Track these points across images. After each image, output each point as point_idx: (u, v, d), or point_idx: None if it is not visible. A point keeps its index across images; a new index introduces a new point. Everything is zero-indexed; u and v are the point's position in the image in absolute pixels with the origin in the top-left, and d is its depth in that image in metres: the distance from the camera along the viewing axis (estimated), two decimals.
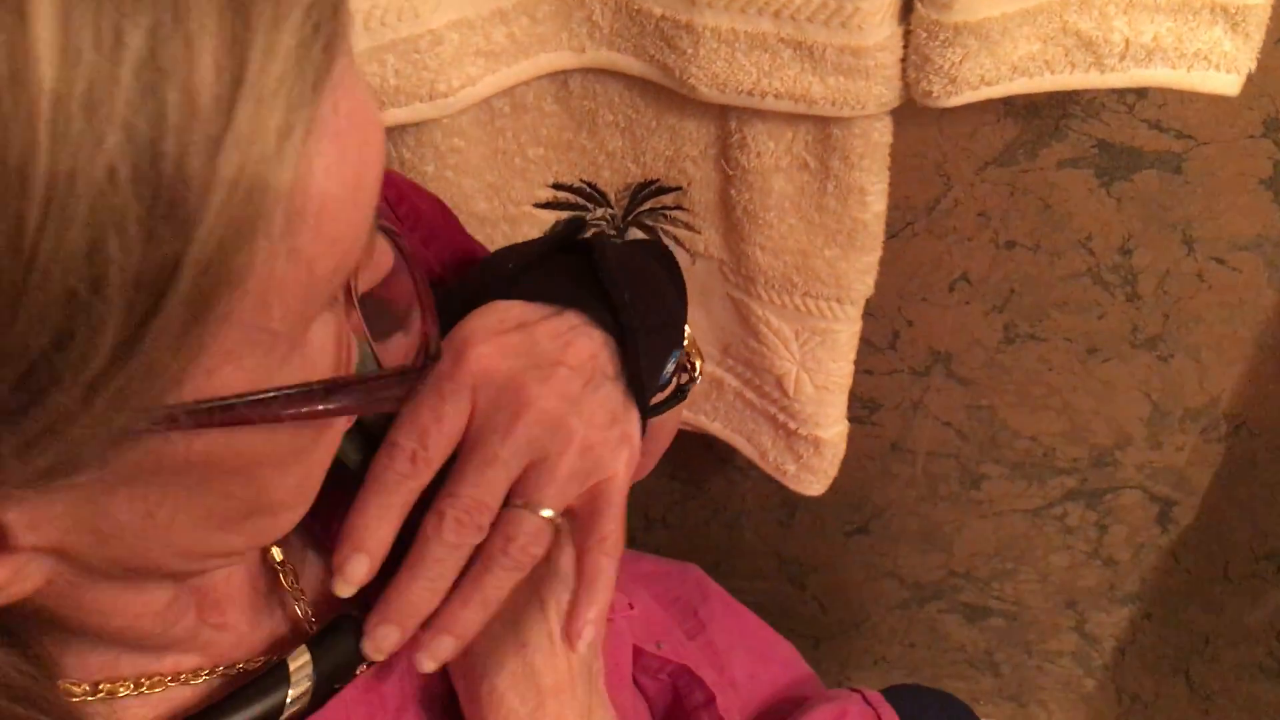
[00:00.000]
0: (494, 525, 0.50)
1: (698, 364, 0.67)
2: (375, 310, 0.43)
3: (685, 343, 0.67)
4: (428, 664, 0.49)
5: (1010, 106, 0.84)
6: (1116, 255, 0.92)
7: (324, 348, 0.37)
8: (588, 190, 0.85)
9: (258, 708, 0.47)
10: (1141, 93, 0.81)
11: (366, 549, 0.48)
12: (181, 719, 0.46)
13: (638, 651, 0.81)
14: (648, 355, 0.57)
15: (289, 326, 0.33)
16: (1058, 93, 0.81)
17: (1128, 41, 0.67)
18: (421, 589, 0.48)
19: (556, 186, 0.84)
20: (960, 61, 0.68)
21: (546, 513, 0.50)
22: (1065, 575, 1.24)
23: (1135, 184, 0.87)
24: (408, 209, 0.64)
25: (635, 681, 0.82)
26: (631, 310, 0.56)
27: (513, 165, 0.82)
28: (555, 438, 0.50)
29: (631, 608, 0.76)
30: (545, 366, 0.52)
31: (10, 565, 0.34)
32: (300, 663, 0.49)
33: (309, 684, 0.48)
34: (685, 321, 0.66)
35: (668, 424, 0.74)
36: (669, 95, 0.77)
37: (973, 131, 0.86)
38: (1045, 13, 0.67)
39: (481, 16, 0.71)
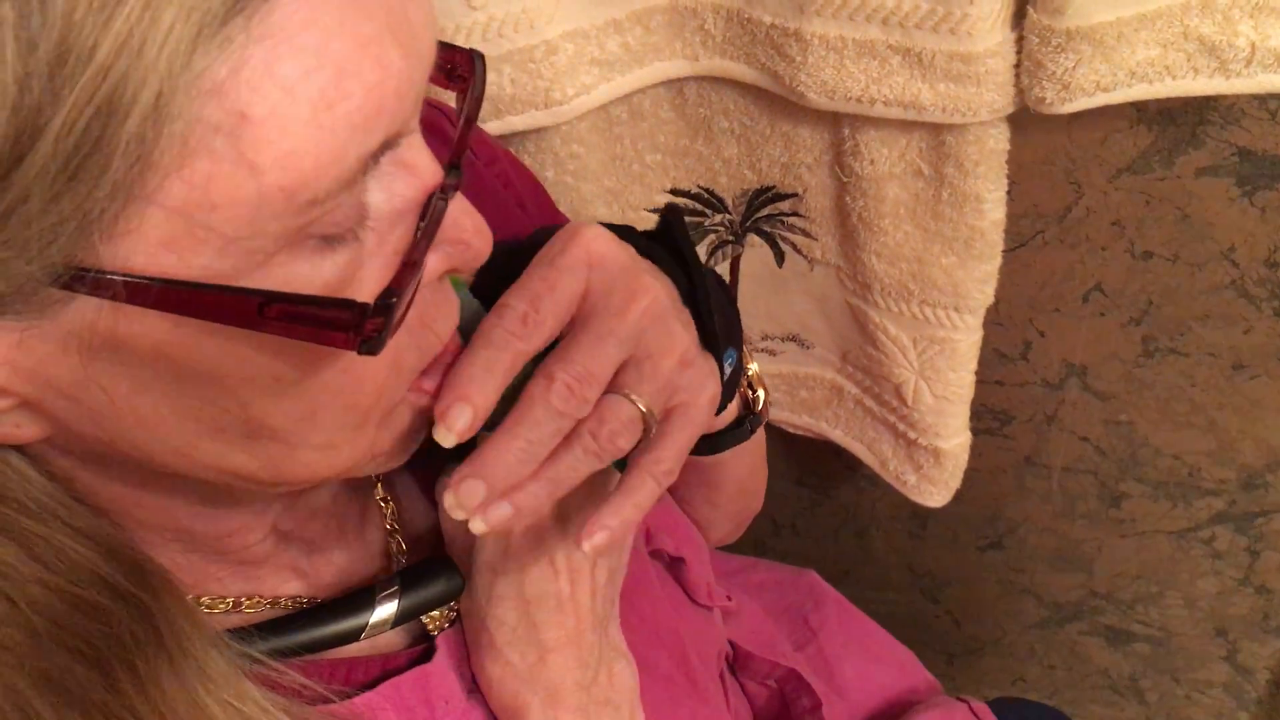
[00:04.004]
0: None
1: (761, 396, 0.63)
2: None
3: (749, 370, 0.63)
4: (478, 524, 0.45)
5: (1143, 113, 0.81)
6: (1263, 268, 0.88)
7: (325, 286, 0.36)
8: (705, 196, 0.86)
9: (335, 627, 0.48)
10: None
11: (471, 400, 0.44)
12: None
13: (746, 655, 0.81)
14: (715, 323, 0.54)
15: (241, 234, 0.33)
16: (1194, 99, 0.78)
17: (1254, 46, 0.64)
18: (519, 449, 0.45)
19: (674, 192, 0.86)
20: (1074, 67, 0.66)
21: (643, 407, 0.47)
22: (1215, 602, 1.18)
23: None
24: (498, 172, 0.64)
25: (742, 687, 0.82)
26: (701, 273, 0.54)
27: (631, 171, 0.84)
28: (660, 336, 0.48)
29: (729, 599, 0.76)
30: (651, 273, 0.50)
31: None
32: (387, 591, 0.50)
33: (392, 613, 0.50)
34: (741, 339, 0.62)
35: (734, 468, 0.70)
36: (783, 102, 0.78)
37: (1104, 138, 0.83)
38: (1164, 17, 0.65)
39: (595, 26, 0.73)
